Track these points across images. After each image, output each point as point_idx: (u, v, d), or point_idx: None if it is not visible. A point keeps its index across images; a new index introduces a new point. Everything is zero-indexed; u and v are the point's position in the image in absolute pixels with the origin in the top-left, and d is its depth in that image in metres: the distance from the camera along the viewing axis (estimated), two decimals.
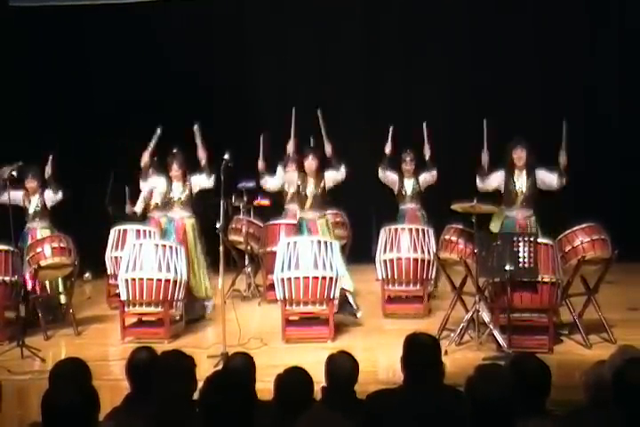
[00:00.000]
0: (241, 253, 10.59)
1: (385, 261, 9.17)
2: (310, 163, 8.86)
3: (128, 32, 12.52)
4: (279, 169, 9.84)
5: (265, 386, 4.26)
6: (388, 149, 9.75)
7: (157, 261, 8.33)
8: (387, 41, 12.75)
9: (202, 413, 3.52)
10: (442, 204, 9.37)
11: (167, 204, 9.08)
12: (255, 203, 10.87)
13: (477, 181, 8.43)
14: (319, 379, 4.21)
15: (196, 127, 8.92)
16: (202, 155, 8.91)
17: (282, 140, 9.83)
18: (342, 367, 4.29)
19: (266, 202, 10.92)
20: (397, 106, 12.66)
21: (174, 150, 9.06)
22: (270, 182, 9.91)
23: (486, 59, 12.42)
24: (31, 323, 8.52)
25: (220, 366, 6.49)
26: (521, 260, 7.31)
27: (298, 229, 8.97)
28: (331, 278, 8.12)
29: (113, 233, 9.84)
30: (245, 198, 10.88)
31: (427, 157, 9.72)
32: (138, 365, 4.34)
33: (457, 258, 8.06)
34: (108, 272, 9.84)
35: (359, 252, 10.46)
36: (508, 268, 7.26)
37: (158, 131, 9.07)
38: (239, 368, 4.30)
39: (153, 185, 9.35)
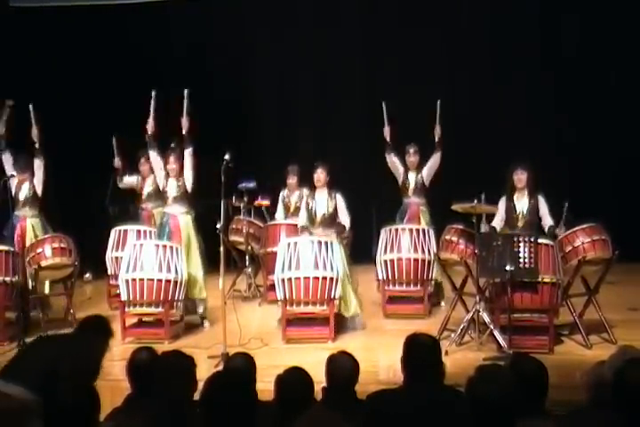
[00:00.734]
0: (241, 254, 10.59)
1: (385, 261, 9.17)
2: (319, 175, 8.71)
3: (128, 32, 12.52)
4: (280, 199, 10.18)
5: (265, 386, 4.26)
6: (387, 132, 9.78)
7: (158, 262, 8.32)
8: (387, 42, 12.74)
9: (202, 413, 3.53)
10: (442, 204, 9.39)
11: (162, 198, 9.04)
12: (255, 203, 10.87)
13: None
14: (319, 379, 4.21)
15: (186, 93, 8.88)
16: (185, 123, 8.87)
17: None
18: (343, 368, 4.29)
19: (266, 202, 10.91)
20: (397, 107, 12.64)
21: (172, 145, 9.04)
22: (277, 216, 10.22)
23: (486, 59, 12.43)
24: (31, 323, 8.54)
25: (220, 367, 6.50)
26: (521, 260, 7.30)
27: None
28: (331, 279, 8.12)
29: (113, 233, 9.84)
30: (246, 199, 10.88)
31: (436, 138, 9.60)
32: (138, 365, 4.34)
33: (457, 258, 8.07)
34: (109, 273, 9.83)
35: (359, 252, 10.45)
36: (508, 268, 7.26)
37: (153, 93, 9.12)
38: (239, 369, 4.30)
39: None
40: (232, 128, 12.07)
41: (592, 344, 7.54)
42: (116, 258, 9.53)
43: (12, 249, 8.52)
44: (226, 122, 12.26)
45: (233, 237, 10.44)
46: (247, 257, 10.52)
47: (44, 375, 4.73)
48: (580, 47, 12.15)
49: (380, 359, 7.50)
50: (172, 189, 8.92)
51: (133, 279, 8.30)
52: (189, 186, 8.83)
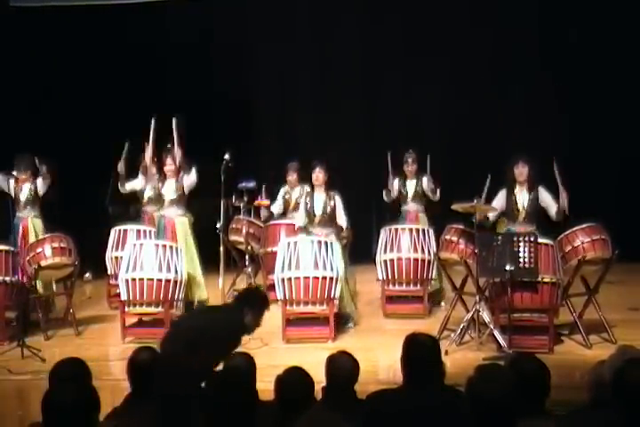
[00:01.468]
0: (241, 254, 10.59)
1: (385, 261, 9.17)
2: (317, 175, 8.71)
3: (128, 32, 12.52)
4: (279, 195, 10.13)
5: (265, 386, 4.26)
6: (390, 182, 9.67)
7: (158, 262, 8.32)
8: (387, 45, 12.74)
9: (203, 413, 3.53)
10: (442, 204, 9.40)
11: (159, 201, 9.04)
12: (255, 203, 10.86)
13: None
14: (319, 379, 4.21)
15: (174, 122, 8.89)
16: (177, 153, 8.89)
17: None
18: (343, 368, 4.29)
19: (266, 202, 10.91)
20: (397, 107, 12.67)
21: (168, 146, 9.04)
22: (274, 209, 10.20)
23: (487, 59, 12.43)
24: (31, 323, 8.54)
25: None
26: (521, 260, 7.30)
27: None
28: (331, 278, 8.11)
29: (113, 233, 9.84)
30: (245, 198, 10.88)
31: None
32: (139, 365, 4.34)
33: (457, 258, 8.07)
34: (109, 272, 9.84)
35: (359, 252, 10.46)
36: (508, 268, 7.25)
37: (153, 122, 9.15)
38: (240, 368, 4.29)
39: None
40: (232, 128, 12.07)
41: (592, 344, 7.54)
42: (116, 258, 9.53)
43: (12, 249, 8.51)
44: (226, 122, 12.26)
45: (233, 237, 10.44)
46: (247, 257, 10.52)
47: (185, 344, 5.07)
48: (579, 47, 12.16)
49: (380, 359, 7.50)
50: (168, 192, 8.93)
51: (133, 279, 8.30)
52: (187, 190, 8.86)
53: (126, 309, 8.36)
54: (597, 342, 7.63)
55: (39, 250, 8.74)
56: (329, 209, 8.68)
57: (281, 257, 8.26)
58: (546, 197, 8.13)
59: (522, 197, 8.19)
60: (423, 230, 9.24)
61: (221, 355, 4.82)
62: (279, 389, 4.04)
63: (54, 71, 12.43)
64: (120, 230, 9.82)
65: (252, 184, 10.90)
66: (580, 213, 8.22)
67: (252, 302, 5.65)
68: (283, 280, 8.15)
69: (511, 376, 3.48)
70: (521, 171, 8.15)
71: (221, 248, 7.63)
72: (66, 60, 12.47)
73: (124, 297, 8.32)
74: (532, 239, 7.37)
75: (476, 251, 7.59)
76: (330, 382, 4.26)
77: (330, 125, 12.77)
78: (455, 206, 7.95)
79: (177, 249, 8.45)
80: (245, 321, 5.54)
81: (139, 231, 9.66)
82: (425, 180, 9.64)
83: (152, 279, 8.28)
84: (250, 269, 10.42)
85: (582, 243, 7.89)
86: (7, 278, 8.41)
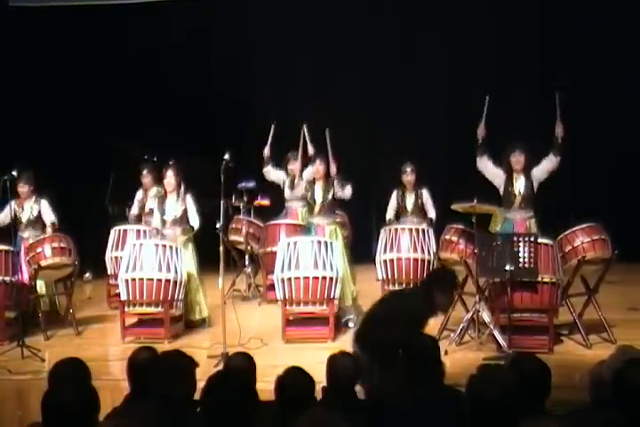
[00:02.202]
0: (241, 254, 10.59)
1: (385, 261, 9.18)
2: (317, 168, 8.78)
3: (128, 32, 12.53)
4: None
5: (265, 386, 4.26)
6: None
7: (157, 262, 8.32)
8: (387, 44, 12.74)
9: (203, 413, 3.53)
10: (442, 204, 9.40)
11: (160, 225, 8.79)
12: (255, 203, 10.87)
13: (477, 159, 8.25)
14: (319, 379, 4.21)
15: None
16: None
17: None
18: (343, 368, 4.29)
19: (266, 202, 10.92)
20: (397, 106, 12.67)
21: (170, 162, 8.94)
22: (273, 173, 10.05)
23: (487, 59, 12.43)
24: (31, 323, 8.54)
25: (220, 366, 6.50)
26: (521, 260, 7.30)
27: (306, 232, 8.97)
28: (331, 278, 8.12)
29: (113, 233, 9.84)
30: (245, 198, 10.88)
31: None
32: (139, 365, 4.34)
33: (457, 258, 8.07)
34: (109, 272, 9.83)
35: (359, 252, 10.46)
36: (508, 268, 7.25)
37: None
38: (239, 368, 4.29)
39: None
40: (232, 128, 12.07)
41: (592, 344, 7.53)
42: (116, 258, 9.53)
43: (12, 249, 8.50)
44: (226, 122, 12.26)
45: (232, 237, 10.43)
46: (247, 257, 10.52)
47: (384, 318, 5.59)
48: (578, 46, 12.16)
49: None
50: (170, 212, 8.79)
51: (133, 279, 8.30)
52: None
53: (126, 309, 8.36)
54: (597, 342, 7.63)
55: (39, 250, 8.74)
56: (328, 196, 8.75)
57: (281, 257, 8.26)
58: (539, 167, 8.19)
59: (519, 184, 8.23)
60: (423, 230, 9.25)
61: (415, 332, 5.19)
62: (279, 389, 4.04)
63: (54, 71, 12.43)
64: (120, 230, 9.82)
65: (251, 184, 10.91)
66: (579, 213, 8.23)
67: (441, 283, 5.94)
68: (282, 280, 8.15)
69: (512, 377, 3.48)
70: (518, 159, 8.20)
71: (221, 248, 7.61)
72: (65, 60, 12.47)
73: (123, 297, 8.32)
74: (531, 239, 7.37)
75: (476, 251, 7.59)
76: (330, 383, 4.26)
77: (330, 125, 12.75)
78: (455, 206, 7.96)
79: (177, 249, 8.44)
80: (437, 301, 5.83)
81: (138, 231, 9.65)
82: (425, 193, 9.60)
83: (152, 279, 8.28)
84: (250, 269, 10.42)
85: (582, 243, 7.89)
86: (7, 278, 8.41)
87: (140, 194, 10.05)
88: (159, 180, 9.21)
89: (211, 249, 8.60)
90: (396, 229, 9.26)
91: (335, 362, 4.33)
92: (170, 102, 12.39)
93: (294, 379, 4.06)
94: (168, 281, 8.29)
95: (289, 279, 8.13)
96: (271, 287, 8.95)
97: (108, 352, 8.14)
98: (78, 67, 12.46)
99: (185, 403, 3.92)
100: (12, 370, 7.29)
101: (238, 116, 12.45)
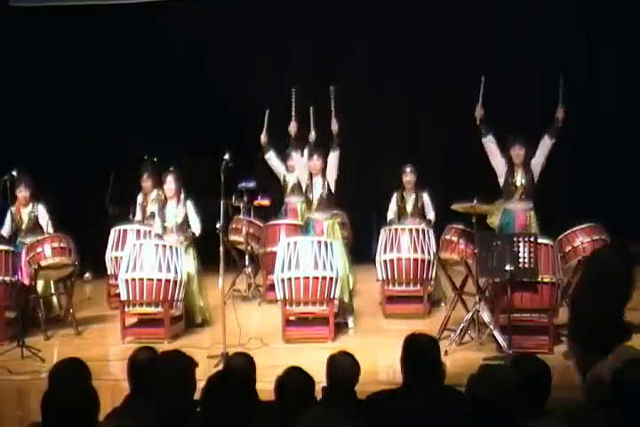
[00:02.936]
0: (241, 254, 10.59)
1: (385, 261, 9.17)
2: (315, 163, 8.70)
3: (128, 32, 12.53)
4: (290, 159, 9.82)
5: (265, 386, 4.26)
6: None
7: (157, 262, 8.32)
8: (388, 42, 12.74)
9: (203, 413, 3.53)
10: (442, 204, 9.40)
11: (162, 231, 8.79)
12: (255, 203, 10.87)
13: (482, 140, 8.29)
14: (319, 379, 4.21)
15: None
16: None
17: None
18: (343, 368, 4.29)
19: (266, 202, 10.92)
20: (398, 106, 12.68)
21: (171, 169, 8.87)
22: (275, 160, 10.05)
23: (488, 59, 12.43)
24: (31, 323, 8.54)
25: (220, 367, 6.50)
26: (521, 260, 7.30)
27: (304, 228, 8.96)
28: (331, 278, 8.11)
29: (113, 233, 9.83)
30: (245, 198, 10.88)
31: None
32: (138, 365, 4.34)
33: (457, 258, 8.07)
34: (109, 272, 9.83)
35: (359, 252, 10.46)
36: (508, 268, 7.25)
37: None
38: (239, 368, 4.30)
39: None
40: (232, 128, 12.07)
41: None
42: (116, 258, 9.53)
43: (11, 249, 8.50)
44: (226, 122, 12.26)
45: (232, 237, 10.43)
46: (247, 257, 10.52)
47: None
48: (578, 46, 12.17)
49: (380, 359, 7.49)
50: (170, 218, 8.78)
51: (133, 279, 8.30)
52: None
53: (126, 309, 8.36)
54: None
55: (39, 250, 8.73)
56: (326, 191, 8.71)
57: (281, 257, 8.26)
58: (536, 155, 8.23)
59: (519, 176, 8.27)
60: (423, 231, 9.24)
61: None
62: (279, 389, 4.04)
63: (54, 71, 12.42)
64: (120, 230, 9.81)
65: (251, 184, 10.91)
66: (580, 213, 8.23)
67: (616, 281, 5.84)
68: (282, 280, 8.15)
69: (512, 377, 3.48)
70: (518, 153, 8.25)
71: (221, 248, 7.61)
72: (65, 60, 12.46)
73: (123, 297, 8.32)
74: (531, 239, 7.37)
75: (476, 251, 7.59)
76: (330, 383, 4.26)
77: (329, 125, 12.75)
78: (455, 206, 7.96)
79: (177, 249, 8.45)
80: (633, 251, 5.81)
81: (138, 231, 9.65)
82: (425, 195, 9.58)
83: (152, 279, 8.28)
84: (250, 270, 10.42)
85: (582, 243, 7.91)
86: (7, 278, 8.41)
87: (140, 198, 10.05)
88: (159, 183, 9.21)
89: (211, 249, 8.60)
90: (396, 230, 9.26)
91: (335, 362, 4.33)
92: (170, 102, 12.39)
93: (294, 379, 4.06)
94: (168, 281, 8.29)
95: (289, 279, 8.13)
96: (271, 287, 8.95)
97: (107, 352, 8.14)
98: (78, 67, 12.45)
99: (185, 403, 3.92)
100: (11, 370, 7.29)
101: (238, 117, 12.44)
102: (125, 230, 9.78)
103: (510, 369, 3.82)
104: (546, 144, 8.22)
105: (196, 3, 12.69)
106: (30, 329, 8.45)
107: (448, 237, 8.25)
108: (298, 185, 9.40)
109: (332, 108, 8.74)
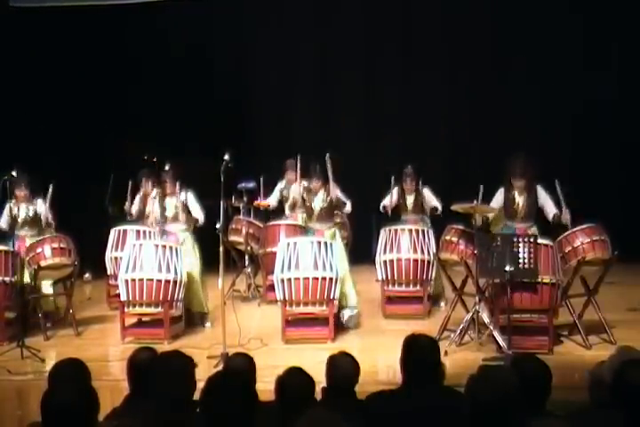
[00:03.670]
0: (241, 254, 10.59)
1: (385, 261, 9.17)
2: (315, 185, 8.95)
3: (128, 32, 12.53)
4: (276, 189, 10.24)
5: (265, 386, 4.26)
6: (387, 202, 9.43)
7: (157, 262, 8.32)
8: (388, 42, 12.75)
9: (202, 413, 3.52)
10: (442, 204, 9.41)
11: (162, 222, 8.92)
12: (255, 203, 10.87)
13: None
14: (319, 379, 4.21)
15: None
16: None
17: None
18: (343, 368, 4.29)
19: (266, 202, 10.91)
20: (398, 106, 12.68)
21: (166, 168, 8.91)
22: (270, 201, 10.30)
23: (488, 59, 12.45)
24: (31, 323, 8.53)
25: (220, 367, 6.50)
26: (521, 260, 7.30)
27: (305, 235, 8.98)
28: (331, 279, 8.11)
29: (113, 233, 9.84)
30: (245, 199, 10.88)
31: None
32: (138, 365, 4.34)
33: (457, 259, 8.07)
34: (108, 273, 9.83)
35: (359, 252, 10.47)
36: (508, 268, 7.25)
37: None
38: (239, 369, 4.30)
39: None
40: (232, 128, 12.08)
41: (591, 345, 7.54)
42: (116, 258, 9.53)
43: (11, 249, 8.49)
44: (226, 122, 12.27)
45: (232, 238, 10.44)
46: (246, 257, 10.52)
47: None
48: (577, 45, 12.18)
49: (380, 360, 7.48)
50: (170, 208, 8.88)
51: (133, 279, 8.29)
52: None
53: (126, 309, 8.35)
54: (597, 342, 7.63)
55: (39, 250, 8.73)
56: (327, 203, 8.75)
57: (280, 257, 8.26)
58: (543, 199, 8.15)
59: (521, 200, 8.22)
60: (423, 231, 9.24)
61: None
62: (279, 389, 4.04)
63: (54, 71, 12.43)
64: (120, 230, 9.82)
65: (251, 184, 10.90)
66: (580, 214, 8.22)
67: None
68: (282, 281, 8.15)
69: (512, 378, 3.48)
70: (517, 185, 8.18)
71: (221, 248, 7.60)
72: (65, 61, 12.47)
73: (123, 297, 8.31)
74: (531, 240, 7.37)
75: (476, 251, 7.59)
76: (330, 383, 4.26)
77: (329, 125, 12.78)
78: (455, 207, 7.96)
79: (176, 249, 8.45)
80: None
81: (138, 231, 9.66)
82: (426, 190, 9.58)
83: (152, 280, 8.27)
84: (249, 270, 10.42)
85: (582, 243, 7.89)
86: (7, 279, 8.41)
87: (139, 198, 10.06)
88: (159, 183, 9.23)
89: (211, 249, 8.60)
90: (396, 230, 9.26)
91: (335, 362, 4.33)
92: (169, 102, 12.40)
93: (294, 379, 4.06)
94: (168, 281, 8.29)
95: (289, 280, 8.13)
96: (271, 288, 8.95)
97: (107, 353, 8.13)
98: (78, 67, 12.46)
99: (185, 403, 3.92)
100: (11, 370, 7.28)
101: (238, 117, 12.46)
102: (125, 231, 9.79)
103: (510, 370, 3.82)
104: (549, 217, 8.11)
105: (197, 3, 12.69)
106: (30, 329, 8.44)
107: (448, 237, 8.24)
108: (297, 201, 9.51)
109: (330, 175, 8.80)
